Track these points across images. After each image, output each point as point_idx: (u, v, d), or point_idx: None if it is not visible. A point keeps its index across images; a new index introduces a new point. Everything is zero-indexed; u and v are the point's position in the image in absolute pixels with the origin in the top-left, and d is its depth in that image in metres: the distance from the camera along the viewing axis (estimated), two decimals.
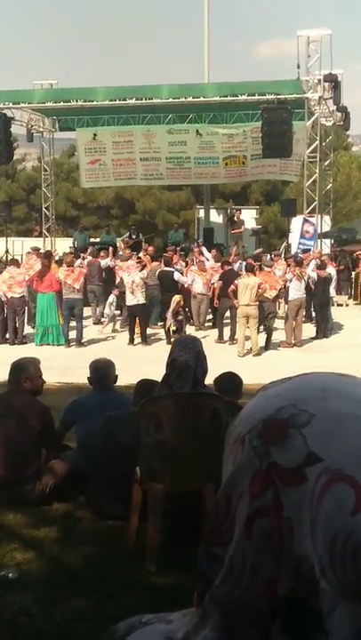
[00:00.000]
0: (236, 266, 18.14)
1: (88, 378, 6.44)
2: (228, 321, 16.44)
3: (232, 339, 15.96)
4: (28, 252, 20.09)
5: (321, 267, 17.42)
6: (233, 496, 0.90)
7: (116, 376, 6.47)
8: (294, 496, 0.82)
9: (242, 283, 14.92)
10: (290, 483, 0.83)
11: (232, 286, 15.30)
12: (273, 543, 0.84)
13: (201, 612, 1.03)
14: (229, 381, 5.99)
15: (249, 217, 26.81)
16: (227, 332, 16.38)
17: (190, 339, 5.11)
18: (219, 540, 0.94)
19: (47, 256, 18.01)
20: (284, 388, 0.92)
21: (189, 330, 16.59)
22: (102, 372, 6.37)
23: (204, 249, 19.94)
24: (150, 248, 20.79)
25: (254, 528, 0.86)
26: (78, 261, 17.95)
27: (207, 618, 0.99)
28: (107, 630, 2.71)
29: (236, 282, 15.27)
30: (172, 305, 15.89)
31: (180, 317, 16.28)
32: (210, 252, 19.72)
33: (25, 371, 5.92)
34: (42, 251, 20.42)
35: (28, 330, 16.93)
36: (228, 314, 16.45)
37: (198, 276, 17.21)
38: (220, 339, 16.18)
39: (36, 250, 19.95)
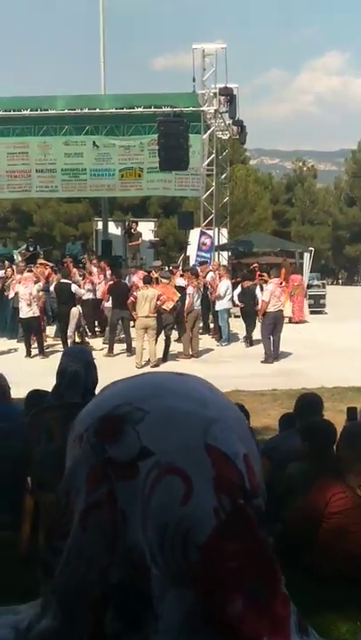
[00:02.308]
0: (134, 278, 18.22)
1: None
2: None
3: (128, 350, 15.98)
4: None
5: (248, 277, 18.12)
6: (71, 491, 0.96)
7: (8, 388, 6.40)
8: (128, 489, 0.88)
9: (141, 294, 15.01)
10: (123, 477, 0.88)
11: (131, 298, 15.38)
12: (107, 534, 0.90)
13: (43, 602, 1.08)
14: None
15: (147, 229, 26.97)
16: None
17: (80, 349, 5.15)
18: (60, 533, 1.00)
19: None
20: (121, 386, 0.98)
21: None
22: None
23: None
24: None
25: (89, 521, 0.92)
26: None
27: (48, 607, 1.04)
28: None
29: (135, 293, 15.36)
30: (73, 319, 15.91)
31: (81, 329, 16.34)
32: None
33: None
34: None
35: None
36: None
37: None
38: (110, 352, 16.02)
39: None
